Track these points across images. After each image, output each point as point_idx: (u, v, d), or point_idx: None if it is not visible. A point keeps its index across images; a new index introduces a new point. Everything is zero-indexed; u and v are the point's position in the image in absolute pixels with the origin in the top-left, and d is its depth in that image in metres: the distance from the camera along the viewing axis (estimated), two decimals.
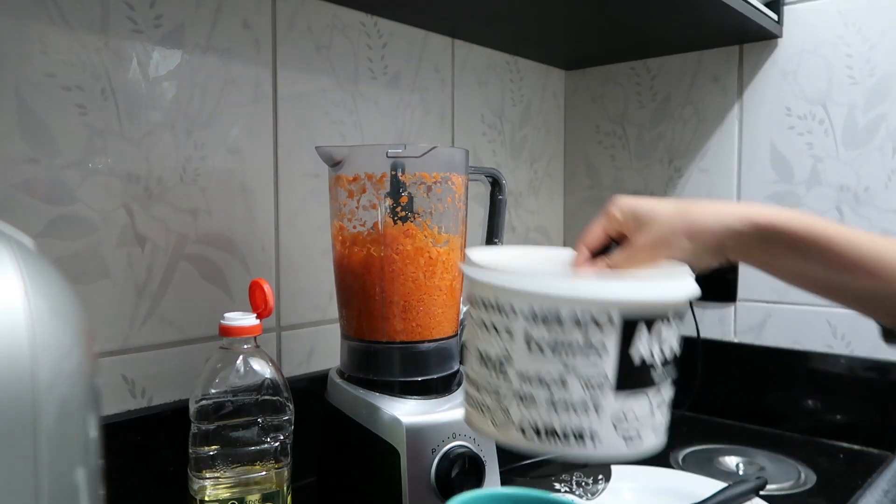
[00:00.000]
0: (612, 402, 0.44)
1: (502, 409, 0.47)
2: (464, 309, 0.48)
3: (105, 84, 0.65)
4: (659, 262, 0.53)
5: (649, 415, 0.46)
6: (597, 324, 0.43)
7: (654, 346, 0.45)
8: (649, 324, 0.44)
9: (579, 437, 0.45)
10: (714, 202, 0.54)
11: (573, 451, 0.45)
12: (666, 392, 0.47)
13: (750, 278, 1.05)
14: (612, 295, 0.43)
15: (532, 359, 0.45)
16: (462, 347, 0.48)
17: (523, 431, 0.46)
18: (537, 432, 0.46)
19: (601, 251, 0.57)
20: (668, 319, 0.45)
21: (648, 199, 0.55)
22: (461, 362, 0.67)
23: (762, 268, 0.54)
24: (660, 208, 0.54)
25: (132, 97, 0.67)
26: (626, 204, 0.56)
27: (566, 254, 0.59)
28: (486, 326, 0.47)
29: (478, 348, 0.48)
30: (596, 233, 0.57)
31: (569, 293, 0.44)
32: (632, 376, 0.45)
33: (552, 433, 0.45)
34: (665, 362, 0.46)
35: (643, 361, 0.45)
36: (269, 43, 0.78)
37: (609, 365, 0.44)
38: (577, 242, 0.57)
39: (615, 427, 0.45)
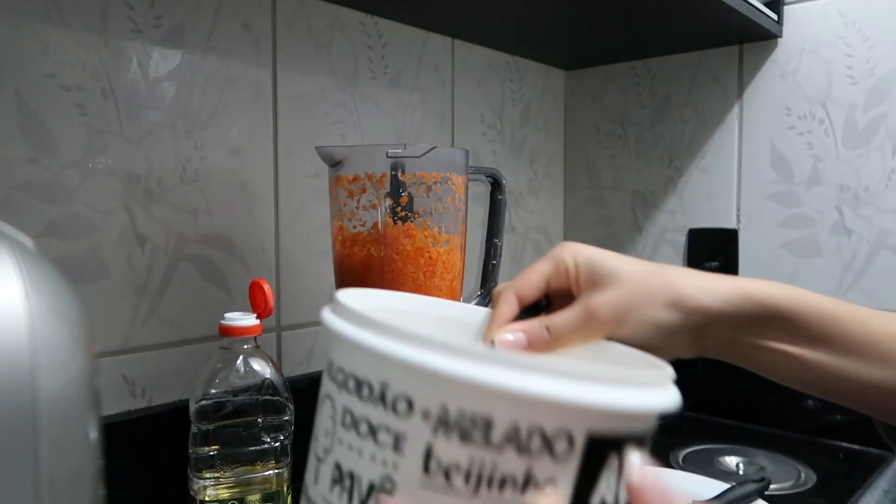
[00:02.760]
0: None
1: None
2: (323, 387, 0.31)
3: (105, 84, 0.65)
4: (615, 333, 0.41)
5: None
6: (549, 446, 0.26)
7: (621, 489, 0.28)
8: (620, 452, 0.27)
9: None
10: (696, 272, 0.43)
11: None
12: None
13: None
14: (580, 400, 0.25)
15: (434, 496, 0.26)
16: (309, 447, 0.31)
17: None
18: None
19: (530, 310, 0.43)
20: (640, 443, 0.28)
21: (612, 253, 0.43)
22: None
23: (748, 360, 0.45)
24: (629, 267, 0.42)
25: (132, 97, 0.67)
26: (583, 253, 0.43)
27: (475, 313, 0.44)
28: (353, 424, 0.28)
29: (335, 461, 0.28)
30: (534, 280, 0.43)
31: (510, 387, 0.25)
32: None
33: None
34: None
35: None
36: (269, 43, 0.78)
37: None
38: (503, 287, 0.43)
39: None
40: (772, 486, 0.79)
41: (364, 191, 0.63)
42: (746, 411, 1.04)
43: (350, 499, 0.28)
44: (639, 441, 0.28)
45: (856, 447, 0.94)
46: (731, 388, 1.06)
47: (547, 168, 1.23)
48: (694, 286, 0.42)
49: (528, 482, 0.26)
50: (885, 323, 0.42)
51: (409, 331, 0.27)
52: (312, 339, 0.84)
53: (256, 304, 0.59)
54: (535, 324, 0.41)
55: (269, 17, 0.78)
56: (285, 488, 0.59)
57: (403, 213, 0.62)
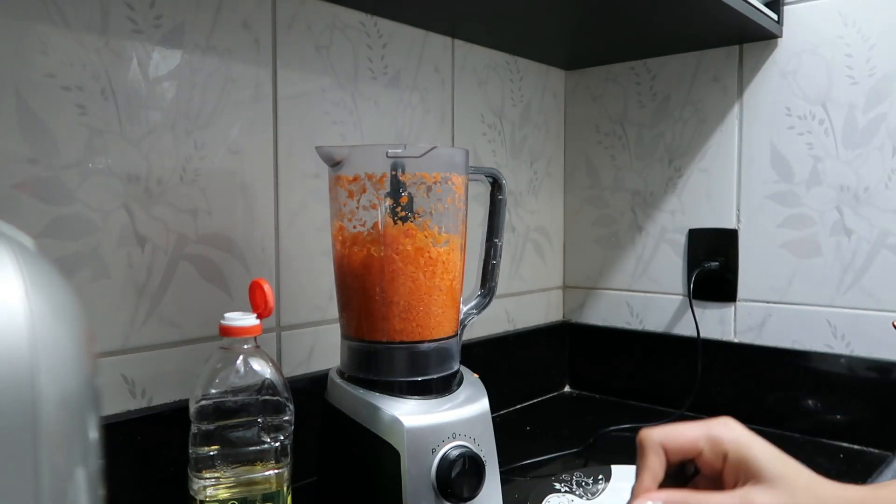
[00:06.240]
0: None
1: None
2: None
3: (105, 84, 0.65)
4: None
5: None
6: None
7: None
8: None
9: None
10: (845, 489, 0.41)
11: None
12: None
13: (750, 278, 1.05)
14: None
15: None
16: None
17: None
18: None
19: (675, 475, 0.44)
20: None
21: (773, 450, 0.42)
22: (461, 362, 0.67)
23: None
24: (794, 472, 0.40)
25: (132, 97, 0.67)
26: (746, 442, 0.42)
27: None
28: None
29: None
30: (688, 440, 0.43)
31: None
32: None
33: None
34: None
35: None
36: (269, 43, 0.78)
37: None
38: (652, 435, 0.44)
39: None
40: None
41: (364, 191, 0.63)
42: (746, 411, 1.04)
43: None
44: None
45: (856, 447, 0.94)
46: (731, 388, 1.06)
47: (547, 168, 1.23)
48: None
49: None
50: None
51: None
52: (312, 339, 0.84)
53: (256, 304, 0.59)
54: (679, 497, 0.40)
55: (269, 17, 0.78)
56: (285, 488, 0.59)
57: (403, 213, 0.62)
